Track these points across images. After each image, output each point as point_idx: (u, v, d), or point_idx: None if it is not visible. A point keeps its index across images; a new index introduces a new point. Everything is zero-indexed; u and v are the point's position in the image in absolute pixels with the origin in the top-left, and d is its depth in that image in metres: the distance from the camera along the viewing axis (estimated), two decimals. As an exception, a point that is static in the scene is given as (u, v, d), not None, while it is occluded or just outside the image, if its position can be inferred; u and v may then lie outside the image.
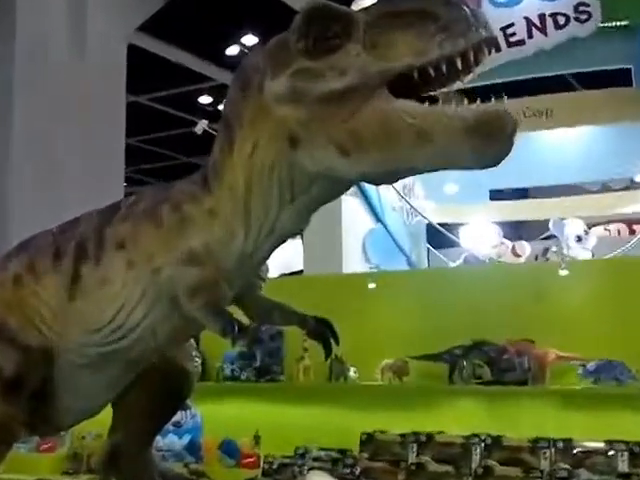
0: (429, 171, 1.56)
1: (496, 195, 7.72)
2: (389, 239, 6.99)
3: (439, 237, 7.55)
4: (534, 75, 5.83)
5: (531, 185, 8.09)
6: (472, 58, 1.44)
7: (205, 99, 12.27)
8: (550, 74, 5.82)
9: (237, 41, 9.70)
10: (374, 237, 6.83)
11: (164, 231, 1.82)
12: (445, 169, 1.53)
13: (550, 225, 7.29)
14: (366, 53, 1.50)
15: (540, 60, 5.52)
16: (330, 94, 1.51)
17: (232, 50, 9.77)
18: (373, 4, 1.61)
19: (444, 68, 1.44)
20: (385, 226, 6.94)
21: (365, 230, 6.77)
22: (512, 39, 5.49)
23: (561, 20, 5.34)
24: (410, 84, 1.50)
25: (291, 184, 1.69)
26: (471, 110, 1.42)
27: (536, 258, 7.66)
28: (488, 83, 6.25)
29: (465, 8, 1.45)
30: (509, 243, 7.76)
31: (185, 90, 11.88)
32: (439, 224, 7.21)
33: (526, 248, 7.79)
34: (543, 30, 5.41)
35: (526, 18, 5.45)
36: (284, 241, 1.82)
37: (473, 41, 1.42)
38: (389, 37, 1.48)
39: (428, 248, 7.86)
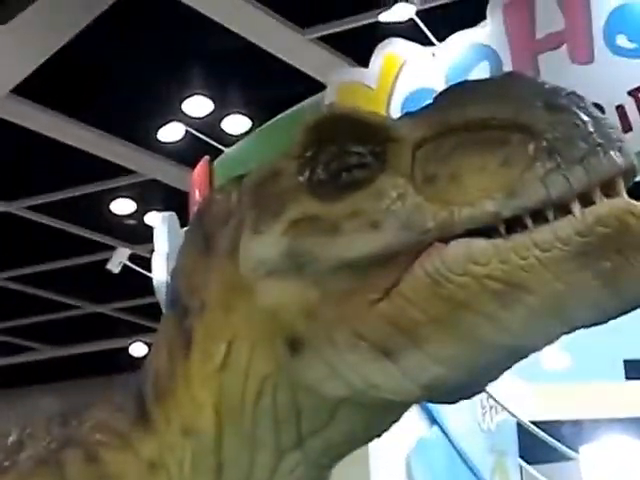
0: (531, 350, 1.54)
1: (637, 369, 7.69)
2: (453, 455, 6.96)
3: (540, 446, 7.53)
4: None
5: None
6: (599, 201, 1.42)
7: (124, 207, 12.43)
8: None
9: (175, 113, 9.94)
10: (426, 453, 6.84)
11: None
12: (553, 338, 1.51)
13: None
14: (416, 192, 1.51)
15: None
16: (354, 261, 1.51)
17: (168, 131, 9.97)
18: (428, 108, 1.60)
19: (551, 217, 1.42)
20: (445, 432, 6.96)
21: (410, 442, 6.75)
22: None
23: None
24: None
25: (296, 418, 1.68)
26: (575, 223, 1.40)
27: None
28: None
29: (581, 114, 1.45)
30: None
31: (91, 192, 12.06)
32: (538, 424, 7.22)
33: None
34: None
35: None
36: None
37: (600, 174, 1.41)
38: (456, 166, 1.49)
39: (521, 466, 7.85)
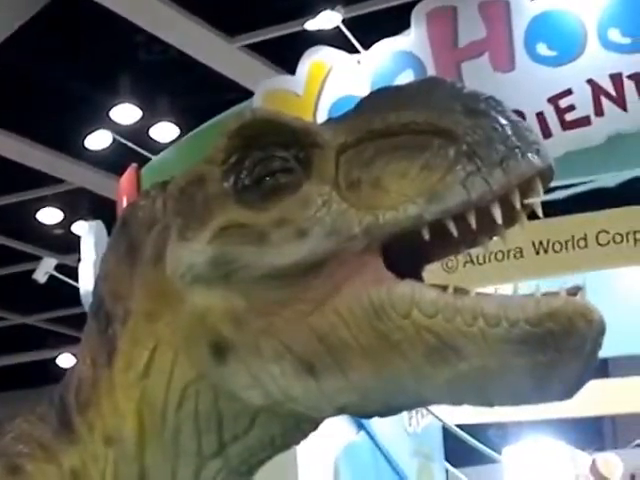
0: (453, 403, 1.57)
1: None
2: (380, 459, 6.98)
3: (465, 449, 7.62)
4: (609, 175, 5.94)
5: (613, 355, 8.08)
6: (518, 202, 1.46)
7: (49, 216, 12.27)
8: (637, 174, 5.94)
9: (103, 121, 9.88)
10: (353, 457, 6.85)
11: None
12: (476, 404, 1.53)
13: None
14: (341, 198, 1.52)
15: (618, 151, 5.62)
16: (282, 270, 1.52)
17: (95, 139, 9.90)
18: (351, 114, 1.62)
19: (472, 221, 1.45)
20: (372, 437, 6.98)
21: (338, 446, 6.77)
22: (569, 117, 5.62)
23: (649, 84, 5.51)
24: (409, 247, 1.52)
25: (218, 424, 1.68)
26: (527, 310, 1.41)
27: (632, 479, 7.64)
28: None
29: (499, 118, 1.48)
30: (585, 458, 7.68)
31: (17, 201, 11.92)
32: (463, 427, 7.35)
33: (615, 464, 7.73)
34: (620, 101, 5.56)
35: (591, 82, 5.61)
36: None
37: (518, 175, 1.45)
38: (379, 171, 1.51)
39: (447, 469, 7.93)
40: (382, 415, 1.63)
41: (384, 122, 1.52)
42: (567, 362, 1.41)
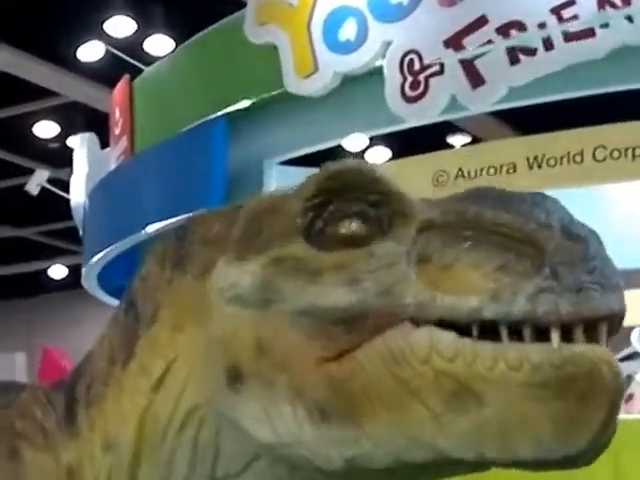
0: (471, 457, 1.43)
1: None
2: None
3: None
4: (611, 89, 5.70)
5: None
6: (581, 335, 1.38)
7: (45, 129, 12.04)
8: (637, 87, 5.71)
9: (97, 33, 9.57)
10: None
11: None
12: (496, 456, 1.42)
13: (634, 337, 7.40)
14: (408, 266, 1.46)
15: (622, 64, 5.37)
16: (322, 310, 1.47)
17: (89, 51, 9.59)
18: (448, 199, 1.59)
19: (527, 334, 1.38)
20: None
21: None
22: (572, 28, 5.29)
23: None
24: None
25: (213, 459, 1.63)
26: (550, 352, 1.36)
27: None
28: (531, 103, 6.11)
29: (592, 250, 1.43)
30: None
31: (13, 114, 11.67)
32: None
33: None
34: (626, 11, 5.24)
35: (596, -8, 5.31)
36: None
37: (590, 309, 1.38)
38: (455, 255, 1.46)
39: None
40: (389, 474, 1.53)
41: (478, 215, 1.48)
42: (591, 407, 1.35)
